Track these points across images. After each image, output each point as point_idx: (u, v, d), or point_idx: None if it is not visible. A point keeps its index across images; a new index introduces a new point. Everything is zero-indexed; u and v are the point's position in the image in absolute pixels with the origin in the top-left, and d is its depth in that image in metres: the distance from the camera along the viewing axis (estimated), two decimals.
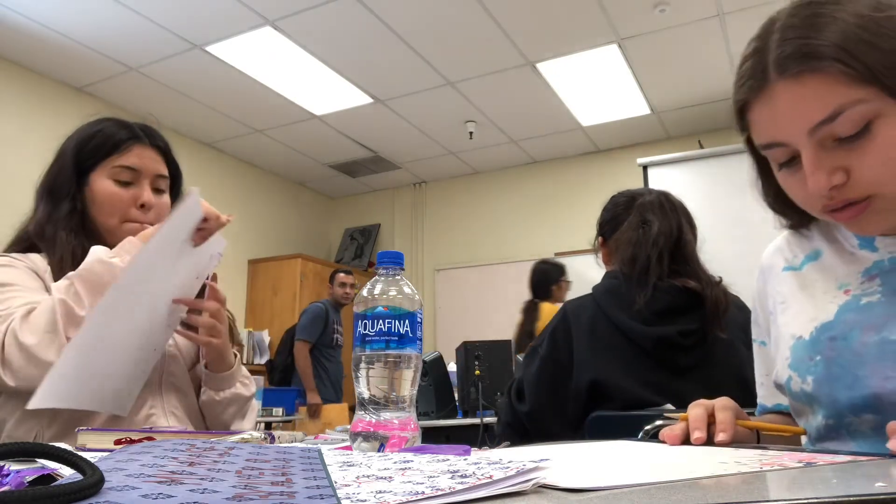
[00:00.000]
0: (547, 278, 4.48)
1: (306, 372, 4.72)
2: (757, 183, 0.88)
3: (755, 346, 1.00)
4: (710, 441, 0.78)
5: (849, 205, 0.72)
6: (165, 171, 1.26)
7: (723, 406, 0.81)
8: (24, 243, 1.21)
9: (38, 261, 1.16)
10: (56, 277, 1.12)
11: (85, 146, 1.21)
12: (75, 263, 1.11)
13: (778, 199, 0.86)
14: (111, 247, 1.21)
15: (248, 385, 1.28)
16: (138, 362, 1.09)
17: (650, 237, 1.55)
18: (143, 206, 1.21)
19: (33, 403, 0.86)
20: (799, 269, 0.89)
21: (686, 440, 0.80)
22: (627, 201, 1.67)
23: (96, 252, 1.04)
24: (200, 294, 1.20)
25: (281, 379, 5.02)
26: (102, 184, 1.20)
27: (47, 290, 1.13)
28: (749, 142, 0.82)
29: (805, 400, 0.80)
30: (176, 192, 1.31)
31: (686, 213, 1.63)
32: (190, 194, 1.01)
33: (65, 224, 1.18)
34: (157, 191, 1.25)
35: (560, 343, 1.56)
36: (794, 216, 0.89)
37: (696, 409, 0.81)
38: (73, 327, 0.97)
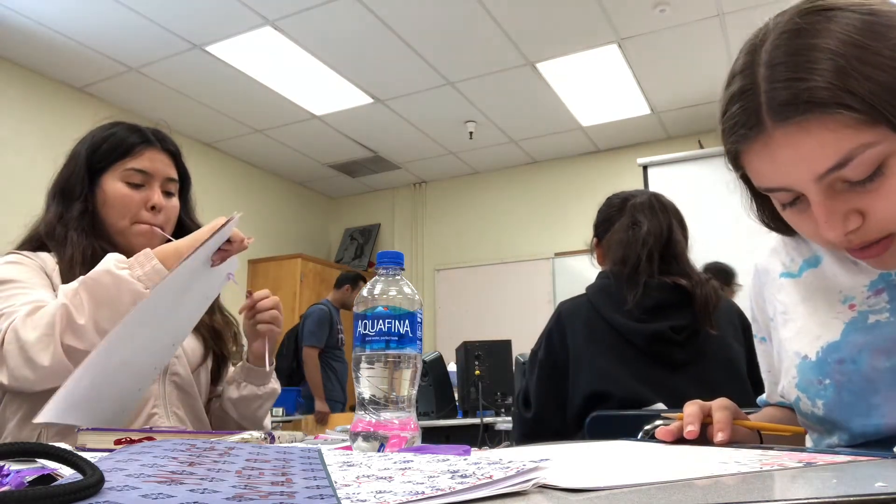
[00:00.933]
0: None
1: (316, 379, 4.63)
2: (752, 205, 0.84)
3: (756, 342, 1.00)
4: (709, 441, 0.79)
5: (869, 244, 0.68)
6: (175, 175, 1.29)
7: (720, 406, 0.81)
8: (34, 242, 1.22)
9: (48, 259, 1.18)
10: (64, 276, 1.13)
11: (97, 148, 1.24)
12: (85, 263, 1.13)
13: (775, 219, 0.82)
14: (120, 247, 1.23)
15: (277, 380, 1.34)
16: (139, 380, 1.08)
17: (640, 237, 1.58)
18: (153, 208, 1.23)
19: (40, 418, 0.86)
20: (798, 275, 0.86)
21: (681, 438, 0.80)
22: (621, 203, 1.71)
23: (108, 261, 1.03)
24: (210, 312, 1.25)
25: (286, 383, 4.98)
26: (114, 186, 1.22)
27: (54, 288, 1.13)
28: (744, 177, 0.77)
29: (816, 421, 0.79)
30: (184, 195, 1.34)
31: (677, 213, 1.66)
32: (231, 220, 1.03)
33: (76, 224, 1.19)
34: (167, 193, 1.27)
35: (556, 345, 1.58)
36: (790, 231, 0.83)
37: (691, 407, 0.81)
38: (70, 333, 0.97)
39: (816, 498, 0.35)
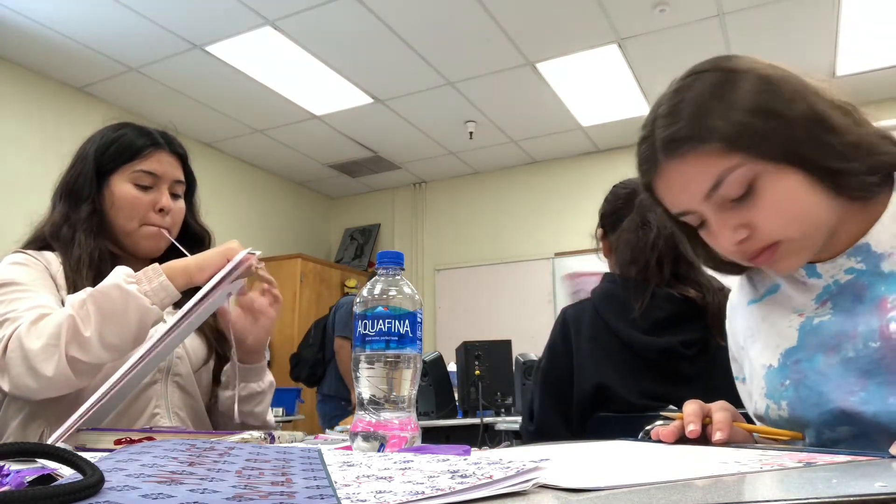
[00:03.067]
0: None
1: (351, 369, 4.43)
2: (687, 247, 0.95)
3: (738, 384, 1.01)
4: (707, 441, 0.79)
5: (761, 251, 0.80)
6: (182, 177, 1.30)
7: (720, 407, 0.83)
8: (39, 242, 1.22)
9: (53, 260, 1.18)
10: (70, 277, 1.14)
11: (106, 150, 1.24)
12: (92, 265, 1.14)
13: (708, 259, 0.94)
14: (127, 249, 1.24)
15: (269, 372, 1.32)
16: (131, 387, 1.07)
17: (649, 241, 1.51)
18: (161, 210, 1.24)
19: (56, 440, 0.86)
20: (760, 300, 0.94)
21: (681, 438, 0.81)
22: (628, 195, 1.62)
23: (116, 275, 1.03)
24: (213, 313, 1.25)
25: (310, 374, 4.66)
26: (123, 187, 1.23)
27: (58, 289, 1.14)
28: (668, 213, 0.90)
29: (786, 426, 0.84)
30: (190, 198, 1.35)
31: None
32: (248, 260, 1.03)
33: (84, 226, 1.20)
34: (173, 196, 1.28)
35: (559, 355, 1.53)
36: (728, 268, 0.96)
37: (692, 406, 0.83)
38: (75, 345, 0.97)
39: (816, 498, 0.35)
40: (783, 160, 0.76)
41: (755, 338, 0.92)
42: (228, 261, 1.05)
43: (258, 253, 1.07)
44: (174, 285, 1.04)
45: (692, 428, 0.79)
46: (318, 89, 4.86)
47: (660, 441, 0.82)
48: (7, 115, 4.37)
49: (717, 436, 0.78)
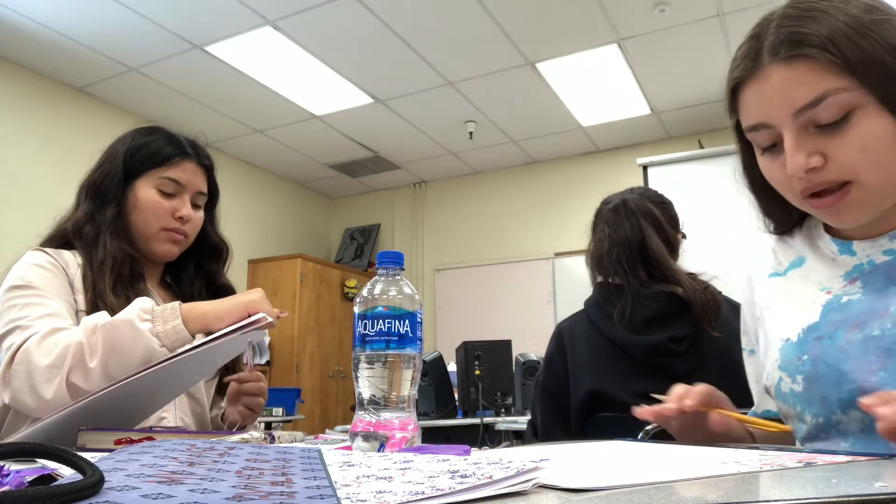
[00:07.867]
0: None
1: None
2: (744, 175, 0.92)
3: (745, 355, 1.01)
4: (708, 441, 0.79)
5: (827, 192, 0.76)
6: (205, 189, 1.32)
7: (699, 384, 0.87)
8: (60, 239, 1.23)
9: (70, 260, 1.18)
10: (90, 279, 1.14)
11: (136, 153, 1.26)
12: (114, 268, 1.16)
13: (762, 192, 0.90)
14: (143, 252, 1.25)
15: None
16: (138, 413, 1.06)
17: (605, 250, 1.56)
18: (180, 218, 1.25)
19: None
20: (783, 274, 0.92)
21: (681, 438, 0.82)
22: (598, 210, 1.67)
23: (132, 311, 1.02)
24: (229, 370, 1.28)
25: None
26: (147, 192, 1.24)
27: (73, 290, 1.14)
28: (737, 128, 0.85)
29: (794, 401, 0.82)
30: (211, 208, 1.36)
31: (649, 214, 1.59)
32: (268, 322, 1.02)
33: (110, 228, 1.21)
34: (195, 206, 1.29)
35: (556, 367, 1.56)
36: (777, 214, 0.93)
37: (677, 389, 0.87)
38: (78, 372, 0.97)
39: (816, 498, 0.35)
40: (890, 104, 0.73)
41: (773, 309, 0.90)
42: (249, 314, 1.03)
43: (285, 314, 1.06)
44: (188, 329, 1.03)
45: (671, 406, 0.83)
46: (318, 89, 4.86)
47: (658, 440, 0.82)
48: (7, 115, 4.37)
49: (686, 402, 0.82)
